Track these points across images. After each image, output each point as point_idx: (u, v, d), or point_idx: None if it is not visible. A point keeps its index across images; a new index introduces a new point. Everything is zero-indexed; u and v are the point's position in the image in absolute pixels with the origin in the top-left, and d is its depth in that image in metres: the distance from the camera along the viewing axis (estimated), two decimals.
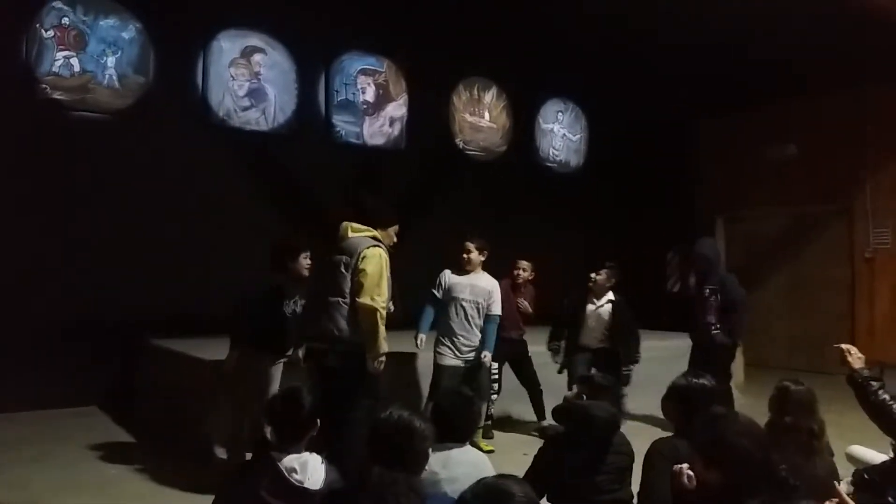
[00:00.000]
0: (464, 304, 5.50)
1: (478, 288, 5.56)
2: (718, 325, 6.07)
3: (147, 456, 5.23)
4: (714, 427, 2.31)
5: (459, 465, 2.82)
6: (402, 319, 5.75)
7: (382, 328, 4.15)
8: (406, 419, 2.51)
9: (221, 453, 4.99)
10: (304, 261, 4.90)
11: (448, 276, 5.61)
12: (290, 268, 4.84)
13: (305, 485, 2.61)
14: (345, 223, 4.36)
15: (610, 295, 6.27)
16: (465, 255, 5.58)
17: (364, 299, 4.08)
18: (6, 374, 6.26)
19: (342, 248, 4.25)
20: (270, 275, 4.84)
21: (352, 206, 4.78)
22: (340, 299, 4.18)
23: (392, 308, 4.38)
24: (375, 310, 4.08)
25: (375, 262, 4.12)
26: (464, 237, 5.70)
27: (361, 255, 4.12)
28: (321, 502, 2.46)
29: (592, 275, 6.27)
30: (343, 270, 4.18)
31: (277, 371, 4.73)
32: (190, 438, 5.24)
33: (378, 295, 4.10)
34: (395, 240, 4.48)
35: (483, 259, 5.66)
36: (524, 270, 6.33)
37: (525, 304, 6.21)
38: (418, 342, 5.53)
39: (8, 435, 5.66)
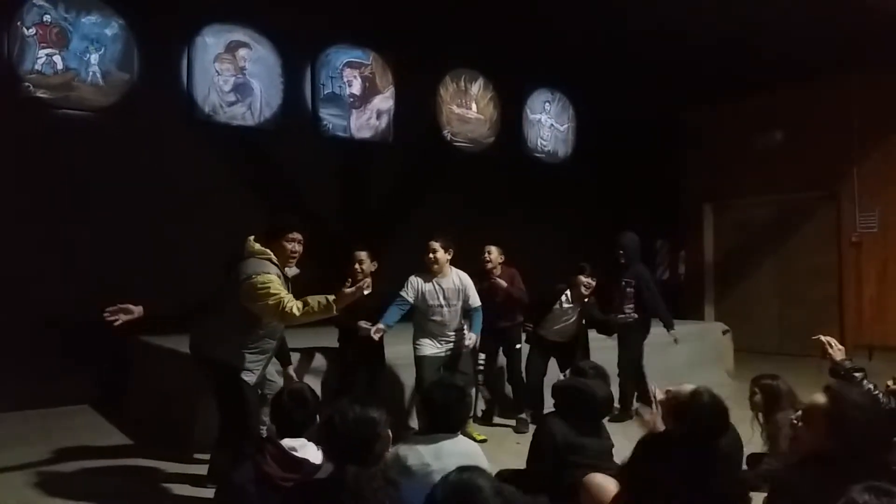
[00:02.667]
0: (440, 309, 5.43)
1: (449, 290, 5.45)
2: (634, 314, 6.49)
3: (139, 454, 5.22)
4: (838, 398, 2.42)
5: (451, 457, 2.82)
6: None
7: (313, 303, 3.81)
8: (359, 413, 2.50)
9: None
10: None
11: (418, 284, 5.41)
12: None
13: (307, 458, 2.76)
14: (248, 239, 4.11)
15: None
16: (430, 256, 5.38)
17: (281, 319, 3.86)
18: None
19: (237, 267, 4.01)
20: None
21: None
22: (220, 317, 4.05)
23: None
24: (292, 315, 3.78)
25: (254, 293, 3.83)
26: (428, 237, 5.49)
27: (242, 289, 3.87)
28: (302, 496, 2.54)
29: (587, 279, 6.04)
30: (228, 290, 4.02)
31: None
32: (181, 435, 5.22)
33: (279, 302, 3.78)
34: (295, 248, 4.13)
35: (449, 257, 5.48)
36: (489, 254, 6.21)
37: (499, 280, 6.00)
38: (374, 331, 5.15)
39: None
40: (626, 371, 6.49)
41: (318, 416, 3.08)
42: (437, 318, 5.44)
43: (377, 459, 2.46)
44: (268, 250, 4.03)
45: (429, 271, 5.45)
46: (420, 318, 5.49)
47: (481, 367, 6.27)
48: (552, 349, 6.21)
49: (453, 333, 5.50)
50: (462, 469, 1.86)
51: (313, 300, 3.81)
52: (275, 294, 3.79)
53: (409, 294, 5.40)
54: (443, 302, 5.43)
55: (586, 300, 6.11)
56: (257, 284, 3.82)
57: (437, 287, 5.43)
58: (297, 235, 4.15)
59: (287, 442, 2.83)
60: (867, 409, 2.40)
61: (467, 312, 5.62)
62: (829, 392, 2.47)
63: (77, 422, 6.24)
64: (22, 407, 6.39)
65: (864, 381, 3.10)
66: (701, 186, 11.70)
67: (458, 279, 5.53)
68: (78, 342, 6.61)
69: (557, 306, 6.15)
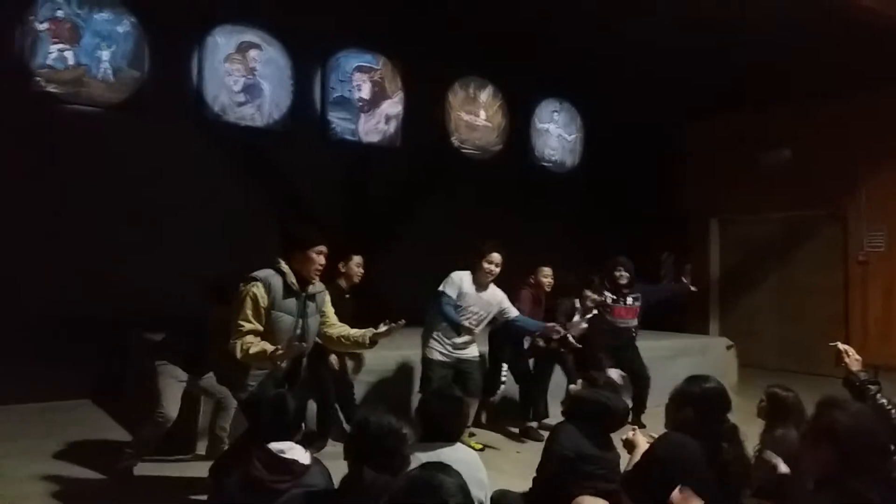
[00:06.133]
0: (469, 314, 5.37)
1: (484, 302, 5.42)
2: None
3: None
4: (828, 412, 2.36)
5: (451, 464, 2.79)
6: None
7: (254, 351, 3.60)
8: (394, 424, 2.51)
9: (202, 448, 5.07)
10: None
11: (465, 284, 5.36)
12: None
13: (296, 459, 2.74)
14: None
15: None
16: (493, 267, 5.31)
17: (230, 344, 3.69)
18: None
19: None
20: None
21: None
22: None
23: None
24: (233, 350, 3.63)
25: (239, 301, 3.70)
26: (491, 247, 5.37)
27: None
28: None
29: (594, 296, 6.22)
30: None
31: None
32: (182, 432, 5.20)
33: (235, 335, 3.65)
34: (319, 262, 3.84)
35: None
36: (546, 278, 6.17)
37: (575, 343, 5.98)
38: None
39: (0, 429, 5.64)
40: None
41: (302, 425, 3.03)
42: (463, 322, 5.33)
43: (393, 473, 2.42)
44: (281, 260, 3.78)
45: (480, 281, 5.38)
46: (435, 321, 5.39)
47: (505, 376, 6.20)
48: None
49: (463, 345, 5.42)
50: (427, 465, 1.91)
51: (259, 348, 3.58)
52: (240, 317, 3.63)
53: (450, 289, 5.32)
54: (476, 310, 5.38)
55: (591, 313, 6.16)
56: (245, 293, 3.67)
57: (476, 295, 5.38)
58: (324, 249, 3.87)
59: (275, 445, 2.79)
60: (860, 431, 2.30)
61: (508, 323, 5.56)
62: (821, 410, 2.40)
63: (77, 416, 6.23)
64: (22, 401, 6.38)
65: (879, 396, 2.96)
66: (707, 201, 11.65)
67: (495, 294, 5.48)
68: (79, 337, 6.60)
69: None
